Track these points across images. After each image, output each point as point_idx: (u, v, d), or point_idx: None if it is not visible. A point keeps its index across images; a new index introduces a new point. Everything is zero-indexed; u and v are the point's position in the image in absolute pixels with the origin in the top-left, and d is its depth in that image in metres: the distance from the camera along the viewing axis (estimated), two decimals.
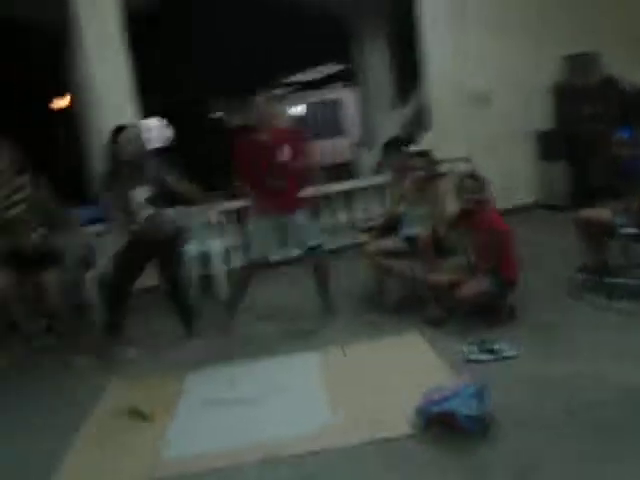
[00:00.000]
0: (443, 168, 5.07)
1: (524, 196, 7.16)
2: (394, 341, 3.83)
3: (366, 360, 3.60)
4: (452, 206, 4.18)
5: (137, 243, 4.05)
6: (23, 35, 7.63)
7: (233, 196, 5.50)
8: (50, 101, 10.58)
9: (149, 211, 4.03)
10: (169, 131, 14.72)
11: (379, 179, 7.03)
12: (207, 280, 5.54)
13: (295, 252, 4.98)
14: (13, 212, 3.81)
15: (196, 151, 10.66)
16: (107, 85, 5.61)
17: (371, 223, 5.25)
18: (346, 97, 15.80)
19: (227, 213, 5.95)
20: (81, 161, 7.68)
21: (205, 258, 5.70)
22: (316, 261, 4.39)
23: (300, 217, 4.27)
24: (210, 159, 9.68)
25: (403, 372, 3.34)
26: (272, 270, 5.82)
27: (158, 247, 4.11)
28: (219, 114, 15.75)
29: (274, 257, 5.97)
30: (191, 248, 5.48)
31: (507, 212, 5.00)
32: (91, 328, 4.85)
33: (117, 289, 4.14)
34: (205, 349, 4.13)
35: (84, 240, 5.11)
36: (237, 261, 5.91)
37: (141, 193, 3.99)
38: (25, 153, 4.04)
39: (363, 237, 4.94)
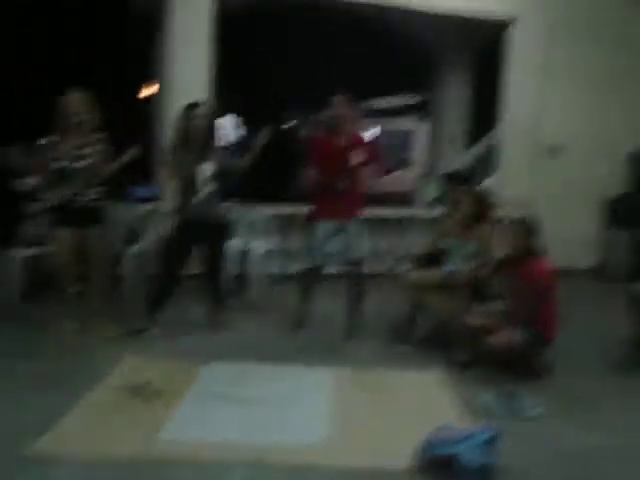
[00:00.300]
0: (499, 211, 4.92)
1: (584, 260, 6.84)
2: (415, 375, 3.70)
3: (382, 388, 3.47)
4: (500, 249, 4.04)
5: (189, 223, 4.08)
6: (120, 15, 7.96)
7: (296, 198, 5.47)
8: (138, 84, 10.97)
9: (211, 188, 4.07)
10: (242, 129, 15.02)
11: (435, 212, 6.94)
12: (243, 279, 5.54)
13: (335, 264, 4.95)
14: (79, 164, 3.87)
15: (265, 156, 10.81)
16: (188, 76, 5.74)
17: (415, 253, 5.12)
18: (418, 128, 15.71)
19: (275, 217, 5.97)
20: (150, 144, 7.93)
21: (244, 257, 5.72)
22: (355, 276, 4.33)
23: (356, 225, 4.25)
24: (277, 166, 9.80)
25: (417, 407, 3.21)
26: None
27: (207, 230, 4.14)
28: (291, 124, 15.96)
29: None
30: (233, 245, 5.53)
31: (562, 273, 4.79)
32: (122, 300, 4.95)
33: (167, 270, 4.18)
34: (227, 344, 4.11)
35: (133, 215, 5.25)
36: (276, 266, 5.94)
37: (207, 168, 4.03)
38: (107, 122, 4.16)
39: (406, 266, 4.83)
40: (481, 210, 4.17)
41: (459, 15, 6.49)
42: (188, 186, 4.07)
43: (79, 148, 3.89)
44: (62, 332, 4.01)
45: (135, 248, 5.16)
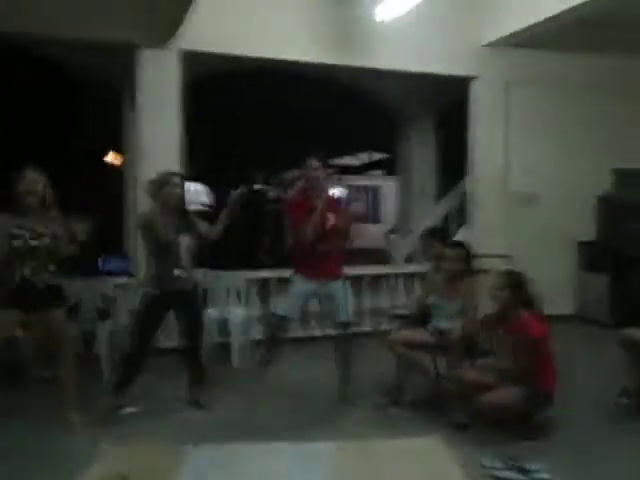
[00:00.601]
0: (481, 264, 4.90)
1: (563, 306, 6.83)
2: (412, 443, 3.48)
3: (381, 458, 3.26)
4: (486, 304, 3.98)
5: (164, 293, 3.93)
6: (87, 87, 7.96)
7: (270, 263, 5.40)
8: (102, 154, 10.91)
9: (188, 257, 3.96)
10: (209, 197, 15.02)
11: (410, 268, 6.93)
12: (224, 348, 5.34)
13: (321, 328, 4.83)
14: (35, 243, 3.66)
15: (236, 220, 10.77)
16: (156, 146, 5.68)
17: (399, 311, 5.04)
18: (385, 185, 15.99)
19: (251, 282, 5.83)
20: (117, 214, 7.78)
21: (224, 325, 5.53)
22: (342, 339, 4.23)
23: (339, 286, 4.20)
24: (249, 229, 9.76)
25: (420, 477, 3.01)
26: (293, 344, 5.63)
27: (183, 300, 4.01)
28: (259, 186, 16.04)
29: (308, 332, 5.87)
30: (211, 313, 5.36)
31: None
32: (98, 380, 4.70)
33: (135, 345, 3.98)
34: (210, 421, 3.88)
35: (103, 290, 5.04)
36: (256, 332, 5.77)
37: (184, 238, 3.93)
38: (67, 195, 4.00)
39: (389, 325, 4.72)
40: (465, 266, 4.12)
41: (423, 74, 6.67)
42: (165, 256, 3.92)
43: (36, 226, 3.68)
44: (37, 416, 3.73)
45: (108, 324, 4.92)
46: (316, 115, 10.14)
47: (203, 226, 4.11)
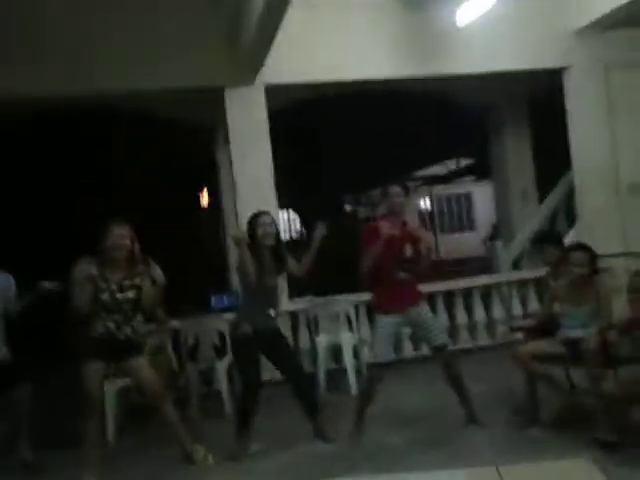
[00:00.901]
0: (602, 264, 4.54)
1: None
2: (558, 466, 3.22)
3: None
4: (620, 307, 3.66)
5: (256, 335, 3.91)
6: (177, 132, 8.31)
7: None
8: (197, 197, 11.36)
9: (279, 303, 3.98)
10: (298, 225, 15.28)
11: (521, 274, 6.59)
12: (338, 374, 5.28)
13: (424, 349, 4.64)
14: (120, 296, 3.74)
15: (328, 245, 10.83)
16: (250, 180, 5.79)
17: (521, 322, 4.76)
18: (477, 191, 15.53)
19: (359, 305, 5.76)
20: (221, 254, 8.03)
21: (335, 351, 5.49)
22: (444, 360, 4.06)
23: (424, 310, 4.08)
24: (341, 253, 9.75)
25: None
26: (400, 368, 5.47)
27: (274, 337, 4.02)
28: (349, 207, 16.11)
29: (402, 355, 5.72)
30: (322, 339, 5.33)
31: None
32: (221, 415, 4.79)
33: (246, 384, 3.99)
34: (335, 453, 3.81)
35: (218, 327, 5.14)
36: (368, 356, 5.68)
37: (280, 283, 3.95)
38: (165, 245, 4.11)
39: (511, 337, 4.46)
40: (591, 269, 3.82)
41: (512, 72, 6.40)
42: (260, 296, 3.95)
43: (123, 280, 3.75)
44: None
45: (225, 360, 5.00)
46: (400, 129, 10.04)
47: (291, 264, 4.08)
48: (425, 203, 18.67)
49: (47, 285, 4.06)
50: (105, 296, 3.68)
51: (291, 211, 14.23)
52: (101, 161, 9.40)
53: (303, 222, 14.84)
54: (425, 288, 5.83)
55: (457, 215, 18.26)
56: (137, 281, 3.76)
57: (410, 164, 13.28)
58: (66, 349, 4.07)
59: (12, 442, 4.09)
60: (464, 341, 6.11)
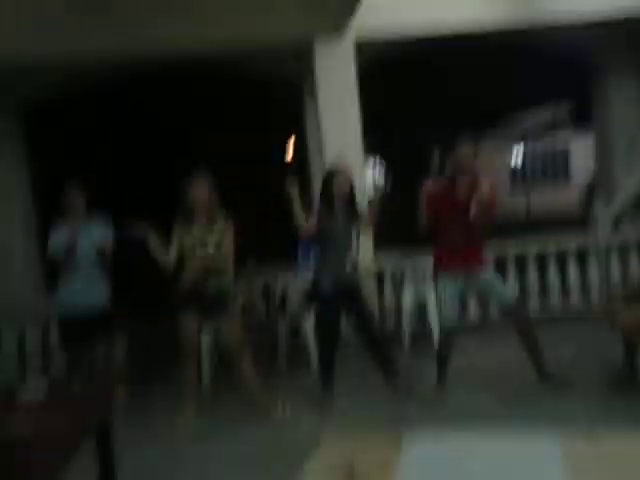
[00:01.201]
0: None
1: None
2: None
3: (628, 458, 2.92)
4: None
5: (334, 292, 3.96)
6: (265, 87, 8.34)
7: None
8: (284, 151, 11.47)
9: (352, 253, 3.98)
10: (384, 179, 15.10)
11: (620, 237, 6.19)
12: (424, 334, 5.28)
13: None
14: (203, 251, 3.88)
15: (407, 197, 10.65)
16: (338, 136, 5.75)
17: (621, 289, 4.52)
18: (574, 143, 14.56)
19: None
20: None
21: (421, 310, 5.47)
22: (517, 323, 3.94)
23: (489, 275, 3.99)
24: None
25: None
26: (474, 330, 5.39)
27: (352, 294, 4.04)
28: (437, 159, 15.70)
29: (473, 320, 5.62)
30: (406, 299, 5.32)
31: None
32: (306, 367, 4.94)
33: (324, 338, 4.09)
34: (417, 410, 3.85)
35: (305, 283, 5.25)
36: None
37: (355, 236, 3.96)
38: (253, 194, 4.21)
39: (610, 305, 4.26)
40: None
41: (618, 16, 5.87)
42: (335, 252, 3.96)
43: (205, 235, 3.90)
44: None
45: (312, 315, 5.12)
46: (493, 77, 9.56)
47: (363, 217, 4.06)
48: (517, 156, 17.81)
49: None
50: (189, 251, 3.86)
51: (377, 161, 14.07)
52: (191, 116, 9.66)
53: (389, 172, 14.65)
54: (515, 250, 5.73)
55: (552, 170, 17.31)
56: (218, 236, 3.91)
57: (504, 115, 12.67)
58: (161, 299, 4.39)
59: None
60: (555, 307, 5.89)
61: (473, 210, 3.77)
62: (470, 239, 3.86)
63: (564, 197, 15.03)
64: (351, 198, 4.00)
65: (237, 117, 10.05)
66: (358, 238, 4.03)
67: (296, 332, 5.41)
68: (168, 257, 3.87)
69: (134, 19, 5.21)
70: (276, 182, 10.94)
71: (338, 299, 3.98)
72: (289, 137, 11.05)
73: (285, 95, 8.13)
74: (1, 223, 6.90)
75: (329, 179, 4.00)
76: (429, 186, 4.01)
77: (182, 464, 3.43)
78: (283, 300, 5.28)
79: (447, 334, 4.02)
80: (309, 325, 5.04)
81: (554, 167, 17.23)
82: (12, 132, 7.23)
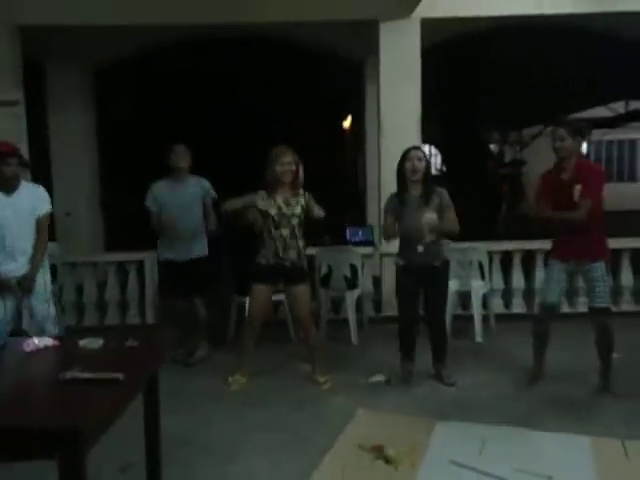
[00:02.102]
0: None
1: None
2: None
3: None
4: None
5: (410, 268, 4.00)
6: (325, 62, 8.34)
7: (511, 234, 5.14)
8: (341, 128, 11.45)
9: (432, 236, 3.96)
10: (439, 161, 14.86)
11: None
12: (465, 321, 5.30)
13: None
14: (288, 210, 3.99)
15: (469, 184, 10.48)
16: (397, 114, 5.73)
17: None
18: None
19: (493, 254, 5.64)
20: (358, 185, 8.14)
21: (465, 298, 5.48)
22: (599, 324, 3.85)
23: (597, 269, 3.79)
24: (484, 195, 9.40)
25: None
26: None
27: (430, 275, 4.01)
28: (495, 147, 15.32)
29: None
30: (451, 285, 5.32)
31: None
32: (347, 341, 5.07)
33: (401, 317, 4.14)
34: (457, 398, 3.89)
35: (351, 260, 5.34)
36: (498, 306, 5.62)
37: (428, 216, 3.90)
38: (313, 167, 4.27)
39: None
40: None
41: None
42: (410, 235, 3.98)
43: (287, 201, 4.01)
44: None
45: (355, 292, 5.22)
46: (561, 66, 9.21)
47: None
48: (583, 148, 17.19)
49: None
50: (274, 211, 3.99)
51: (433, 147, 13.84)
52: (253, 89, 9.75)
53: (445, 159, 14.41)
54: None
55: (618, 163, 16.61)
56: (301, 200, 4.04)
57: (569, 105, 12.18)
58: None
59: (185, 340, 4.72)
60: (625, 304, 5.75)
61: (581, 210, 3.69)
62: (582, 229, 3.74)
63: (632, 192, 14.45)
64: (425, 178, 3.98)
65: (302, 90, 10.08)
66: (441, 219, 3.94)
67: (337, 307, 5.54)
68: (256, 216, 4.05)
69: None
70: (330, 161, 11.00)
71: (413, 275, 4.00)
72: (349, 116, 11.02)
73: (350, 73, 8.12)
74: (69, 180, 7.30)
75: (403, 159, 3.99)
76: (543, 176, 3.96)
77: (213, 419, 3.60)
78: (328, 275, 5.38)
79: (547, 310, 3.97)
80: (351, 300, 5.14)
81: (621, 160, 16.56)
82: (85, 93, 7.56)
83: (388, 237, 4.11)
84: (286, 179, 3.99)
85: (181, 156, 4.48)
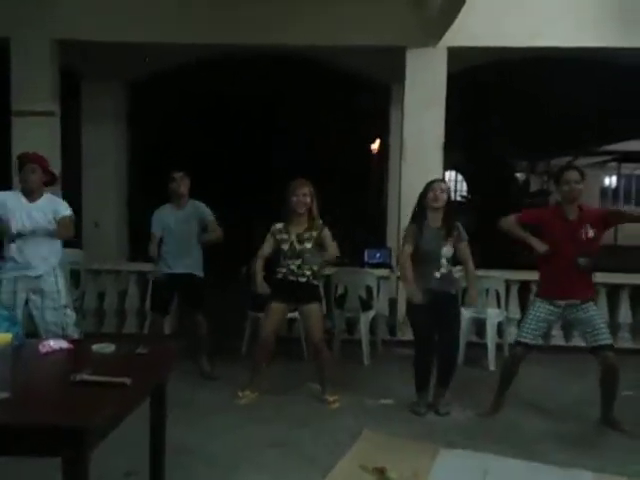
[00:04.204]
0: None
1: None
2: None
3: None
4: None
5: (427, 294, 3.98)
6: (354, 85, 8.48)
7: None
8: (368, 152, 11.54)
9: (448, 267, 3.98)
10: (463, 186, 14.87)
11: None
12: (478, 348, 5.28)
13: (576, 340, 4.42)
14: (299, 247, 4.10)
15: (493, 210, 10.44)
16: (421, 140, 5.79)
17: None
18: None
19: (510, 283, 5.62)
20: (381, 207, 8.19)
21: (479, 325, 5.47)
22: (604, 361, 3.79)
23: (590, 308, 3.83)
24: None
25: None
26: (551, 354, 5.32)
27: (445, 302, 4.01)
28: (522, 176, 15.25)
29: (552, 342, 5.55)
30: (466, 312, 5.31)
31: None
32: (359, 362, 5.10)
33: (419, 344, 4.10)
34: (463, 425, 3.88)
35: (367, 282, 5.38)
36: (513, 335, 5.58)
37: (445, 251, 3.96)
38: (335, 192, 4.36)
39: None
40: None
41: None
42: (425, 260, 4.00)
43: (303, 232, 4.13)
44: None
45: (370, 314, 5.25)
46: (591, 98, 9.21)
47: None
48: (610, 180, 16.98)
49: None
50: (286, 247, 4.13)
51: (457, 174, 13.86)
52: (282, 109, 9.94)
53: (469, 186, 14.39)
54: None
55: None
56: (315, 234, 4.13)
57: (599, 137, 12.12)
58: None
59: (193, 353, 4.75)
60: (626, 340, 5.70)
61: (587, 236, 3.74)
62: (585, 264, 3.76)
63: None
64: (445, 211, 4.02)
65: (330, 111, 10.25)
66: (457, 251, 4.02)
67: (352, 328, 5.56)
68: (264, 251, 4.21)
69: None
70: (353, 183, 11.08)
71: (428, 302, 3.97)
72: (374, 142, 11.14)
73: (374, 94, 8.24)
74: (98, 191, 7.51)
75: (427, 189, 4.04)
76: (543, 210, 4.08)
77: (219, 432, 3.64)
78: (343, 295, 5.43)
79: (518, 352, 3.95)
80: (365, 321, 5.16)
81: None
82: (118, 106, 7.80)
83: (402, 267, 4.10)
84: (300, 209, 4.12)
85: (181, 182, 4.64)
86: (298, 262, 4.12)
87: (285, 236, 4.16)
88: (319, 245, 4.15)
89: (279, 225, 4.21)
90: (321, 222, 4.19)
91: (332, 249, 4.15)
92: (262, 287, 4.17)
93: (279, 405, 4.13)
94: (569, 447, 3.55)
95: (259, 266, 4.21)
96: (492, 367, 5.06)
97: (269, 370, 4.33)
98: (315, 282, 4.21)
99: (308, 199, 4.12)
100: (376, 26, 5.58)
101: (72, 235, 4.04)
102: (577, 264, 3.74)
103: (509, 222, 3.99)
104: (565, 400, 4.32)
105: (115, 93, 7.72)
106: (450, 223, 4.01)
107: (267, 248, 4.22)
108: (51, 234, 3.89)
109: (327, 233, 4.18)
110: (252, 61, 7.42)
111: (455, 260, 4.06)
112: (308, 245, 4.11)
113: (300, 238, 4.13)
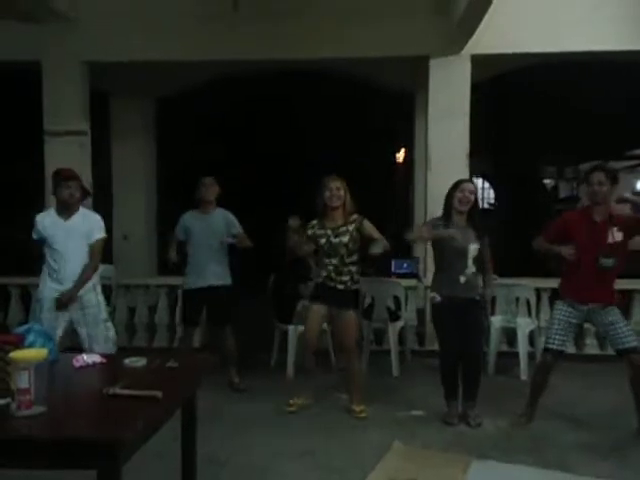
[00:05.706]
0: None
1: None
2: None
3: None
4: None
5: (449, 304, 3.95)
6: (378, 94, 8.47)
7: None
8: (392, 161, 11.53)
9: (472, 269, 3.94)
10: (491, 194, 14.72)
11: None
12: (509, 358, 5.20)
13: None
14: (336, 241, 4.10)
15: (521, 218, 10.33)
16: (445, 148, 5.77)
17: None
18: None
19: (541, 291, 5.54)
20: (404, 215, 8.15)
21: (510, 334, 5.39)
22: (631, 363, 3.71)
23: (613, 313, 3.76)
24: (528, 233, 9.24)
25: None
26: (585, 362, 5.21)
27: (469, 308, 3.96)
28: (550, 182, 15.04)
29: (586, 351, 5.44)
30: (496, 321, 5.26)
31: None
32: (388, 372, 5.07)
33: (443, 349, 4.09)
34: (495, 436, 3.82)
35: (394, 292, 5.36)
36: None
37: (472, 248, 3.91)
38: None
39: None
40: None
41: None
42: (451, 263, 3.97)
43: (339, 227, 4.12)
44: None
45: (398, 324, 5.23)
46: (620, 101, 9.04)
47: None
48: None
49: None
50: (323, 241, 4.13)
51: (484, 181, 13.74)
52: (309, 119, 10.00)
53: (497, 193, 14.25)
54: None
55: None
56: (351, 227, 4.12)
57: (629, 140, 11.88)
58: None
59: (222, 365, 4.68)
60: None
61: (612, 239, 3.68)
62: (602, 272, 3.72)
63: None
64: (471, 213, 3.99)
65: (354, 121, 10.29)
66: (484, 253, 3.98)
67: (380, 339, 5.54)
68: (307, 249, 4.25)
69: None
70: (379, 192, 11.04)
71: (451, 308, 3.95)
72: (399, 150, 11.13)
73: (397, 103, 8.23)
74: (128, 206, 7.65)
75: (454, 188, 4.00)
76: (566, 215, 3.99)
77: (248, 443, 3.66)
78: (371, 306, 5.41)
79: (547, 359, 3.89)
80: (393, 332, 5.14)
81: None
82: (147, 122, 7.95)
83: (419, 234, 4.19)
84: (334, 203, 4.12)
85: (210, 188, 4.64)
86: (336, 261, 4.10)
87: (321, 231, 4.16)
88: (360, 238, 4.10)
89: (314, 221, 4.24)
90: (356, 216, 4.15)
91: (377, 245, 4.01)
92: (302, 248, 4.24)
93: (307, 417, 4.13)
94: (604, 458, 3.47)
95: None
96: (524, 377, 4.97)
97: (298, 382, 4.32)
98: (354, 287, 4.16)
99: (342, 192, 4.12)
100: (399, 36, 5.59)
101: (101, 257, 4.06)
102: (598, 264, 3.67)
103: (539, 244, 3.97)
104: (600, 410, 4.22)
105: (144, 109, 7.87)
106: (475, 222, 3.99)
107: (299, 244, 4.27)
108: (86, 271, 3.86)
109: (368, 224, 4.13)
110: (279, 76, 7.48)
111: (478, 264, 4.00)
112: (344, 239, 4.09)
113: (336, 232, 4.12)
